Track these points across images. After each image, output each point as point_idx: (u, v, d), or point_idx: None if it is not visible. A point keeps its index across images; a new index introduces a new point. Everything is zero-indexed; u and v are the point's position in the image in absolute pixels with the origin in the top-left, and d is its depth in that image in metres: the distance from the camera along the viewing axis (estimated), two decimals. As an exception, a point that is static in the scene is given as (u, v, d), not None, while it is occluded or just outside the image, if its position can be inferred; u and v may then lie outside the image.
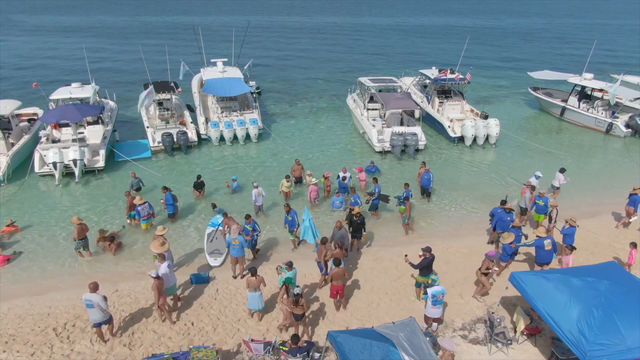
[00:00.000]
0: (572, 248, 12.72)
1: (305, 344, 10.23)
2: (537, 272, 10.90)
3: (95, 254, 15.00)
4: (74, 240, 14.48)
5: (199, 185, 18.64)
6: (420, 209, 18.09)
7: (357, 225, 14.60)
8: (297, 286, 10.87)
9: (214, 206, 17.31)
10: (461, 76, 26.33)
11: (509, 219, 14.37)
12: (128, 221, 16.52)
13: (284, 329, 11.52)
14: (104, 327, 11.10)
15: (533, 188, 16.58)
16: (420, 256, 12.29)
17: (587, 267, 11.32)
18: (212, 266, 14.32)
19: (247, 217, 14.20)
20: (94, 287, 10.69)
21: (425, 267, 12.23)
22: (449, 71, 26.83)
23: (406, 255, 12.63)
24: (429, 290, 10.96)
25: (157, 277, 11.17)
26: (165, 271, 11.60)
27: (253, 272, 11.40)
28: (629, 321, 9.03)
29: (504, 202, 15.25)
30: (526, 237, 14.16)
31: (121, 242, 15.53)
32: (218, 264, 14.38)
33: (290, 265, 11.74)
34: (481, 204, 18.27)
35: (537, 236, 13.14)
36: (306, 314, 11.12)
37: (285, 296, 11.20)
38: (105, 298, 10.86)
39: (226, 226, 14.81)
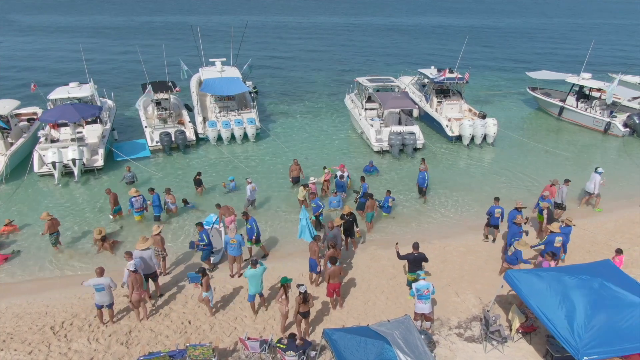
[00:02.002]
0: (553, 255, 12.42)
1: (302, 343, 10.31)
2: (532, 271, 10.94)
3: (93, 253, 15.08)
4: (49, 235, 14.88)
5: (197, 182, 18.78)
6: (417, 207, 18.15)
7: (348, 224, 14.67)
8: (301, 284, 10.90)
9: (186, 202, 17.49)
10: (460, 76, 26.38)
11: (522, 232, 14.01)
12: (111, 216, 16.79)
13: (284, 329, 11.54)
14: (105, 311, 11.60)
15: (566, 181, 16.75)
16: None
17: (581, 265, 11.37)
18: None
19: (199, 224, 13.79)
20: (101, 272, 11.35)
21: (412, 263, 12.38)
22: (447, 71, 26.88)
23: (397, 244, 13.02)
24: (414, 285, 11.09)
25: (135, 271, 11.33)
26: (132, 268, 11.60)
27: (204, 272, 11.66)
28: (622, 319, 9.08)
29: (497, 199, 15.35)
30: (526, 234, 14.18)
31: (117, 241, 15.61)
32: (216, 262, 14.46)
33: (254, 263, 11.80)
34: (478, 203, 18.33)
35: (550, 231, 13.34)
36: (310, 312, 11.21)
37: (283, 297, 11.22)
38: (111, 279, 11.48)
39: (221, 216, 15.36)
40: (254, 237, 14.32)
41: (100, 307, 11.51)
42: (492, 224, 15.37)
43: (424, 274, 11.31)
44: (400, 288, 13.23)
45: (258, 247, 14.75)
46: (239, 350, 10.74)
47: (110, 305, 11.57)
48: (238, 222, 15.50)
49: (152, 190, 16.56)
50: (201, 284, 11.62)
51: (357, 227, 15.08)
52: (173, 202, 17.06)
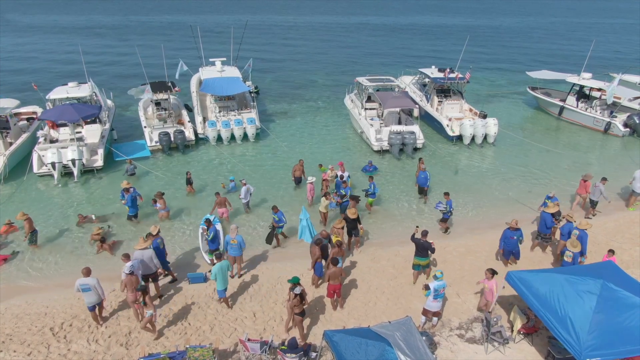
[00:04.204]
0: (493, 272, 11.37)
1: (304, 344, 10.29)
2: (533, 271, 10.91)
3: (93, 254, 15.03)
4: (30, 235, 15.00)
5: (187, 181, 18.86)
6: (418, 207, 18.10)
7: (351, 223, 14.62)
8: (296, 286, 10.88)
9: (155, 202, 17.23)
10: (461, 75, 26.34)
11: (514, 237, 13.74)
12: (94, 217, 16.84)
13: (287, 329, 11.52)
14: (98, 310, 11.66)
15: (603, 179, 16.84)
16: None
17: (583, 266, 11.34)
18: (209, 263, 14.35)
19: (148, 235, 13.22)
20: (87, 272, 11.36)
21: (418, 248, 12.89)
22: (448, 70, 26.85)
23: (417, 227, 13.55)
24: (431, 285, 11.08)
25: (130, 274, 11.28)
26: (127, 271, 11.53)
27: (144, 290, 10.99)
28: (625, 320, 9.05)
29: (447, 194, 15.83)
30: (521, 241, 13.94)
31: (116, 241, 15.59)
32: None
33: (219, 257, 11.96)
34: (479, 203, 18.31)
35: (567, 221, 14.03)
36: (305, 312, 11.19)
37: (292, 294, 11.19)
38: (98, 280, 11.48)
39: (216, 205, 15.87)
40: (215, 249, 13.76)
41: (92, 309, 11.43)
42: (445, 218, 15.97)
43: (441, 274, 11.17)
44: (401, 289, 13.20)
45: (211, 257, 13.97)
46: (239, 352, 10.70)
47: (99, 303, 11.60)
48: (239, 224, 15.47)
49: (127, 190, 16.44)
50: (144, 304, 10.87)
51: (360, 223, 14.98)
52: (163, 207, 16.70)
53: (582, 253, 12.95)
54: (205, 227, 14.05)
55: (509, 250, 13.86)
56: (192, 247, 15.37)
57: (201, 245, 14.87)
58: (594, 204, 17.12)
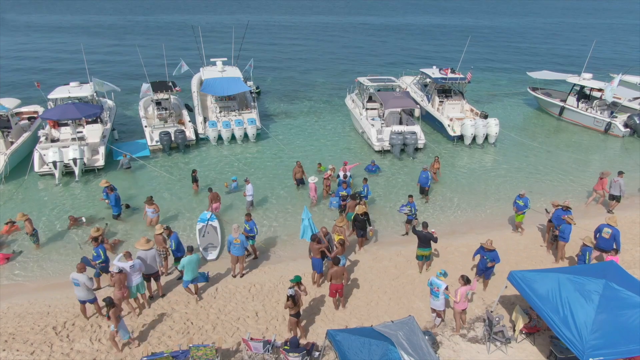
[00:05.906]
0: (467, 280, 11.11)
1: (307, 344, 10.30)
2: (536, 271, 10.94)
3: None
4: (31, 235, 15.05)
5: (193, 179, 18.94)
6: (419, 207, 18.09)
7: (361, 223, 14.61)
8: (290, 287, 10.90)
9: (127, 206, 17.32)
10: (461, 75, 26.37)
11: (485, 258, 13.19)
12: (84, 219, 16.80)
13: (289, 329, 11.54)
14: (89, 306, 11.88)
15: (620, 173, 17.19)
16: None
17: (585, 266, 11.37)
18: (208, 260, 14.38)
19: (94, 240, 13.23)
20: (81, 268, 11.59)
21: (421, 240, 13.36)
22: (449, 70, 26.88)
23: (416, 220, 14.04)
24: (431, 277, 11.31)
25: (119, 272, 11.38)
26: (127, 270, 11.63)
27: (111, 303, 10.42)
28: (627, 320, 9.08)
29: (411, 197, 15.87)
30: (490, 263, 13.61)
31: (118, 240, 15.62)
32: (214, 257, 14.56)
33: (190, 250, 12.13)
34: (480, 203, 18.32)
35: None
36: (301, 312, 11.20)
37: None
38: (90, 278, 11.69)
39: (210, 201, 16.05)
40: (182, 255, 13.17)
41: (83, 302, 11.66)
42: (410, 219, 15.93)
43: (442, 275, 11.20)
44: (403, 288, 13.22)
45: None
46: (242, 351, 10.71)
47: (92, 301, 11.75)
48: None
49: (111, 189, 16.45)
50: (108, 317, 10.40)
51: (370, 225, 14.96)
52: (156, 212, 16.22)
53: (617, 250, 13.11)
54: (167, 238, 13.34)
55: (481, 268, 13.07)
56: (189, 245, 15.33)
57: (199, 241, 14.90)
58: (616, 198, 17.35)
